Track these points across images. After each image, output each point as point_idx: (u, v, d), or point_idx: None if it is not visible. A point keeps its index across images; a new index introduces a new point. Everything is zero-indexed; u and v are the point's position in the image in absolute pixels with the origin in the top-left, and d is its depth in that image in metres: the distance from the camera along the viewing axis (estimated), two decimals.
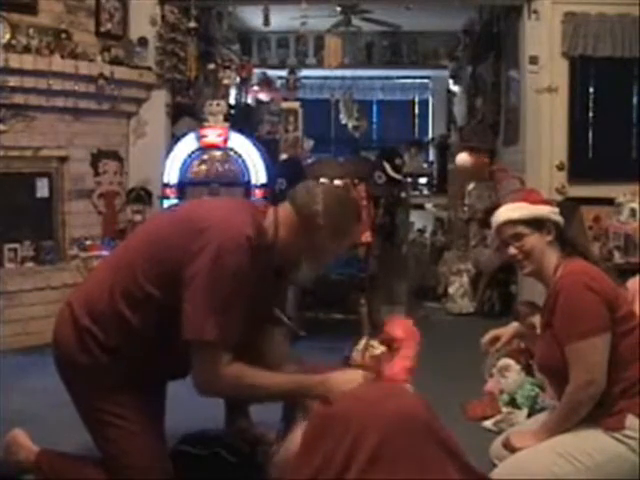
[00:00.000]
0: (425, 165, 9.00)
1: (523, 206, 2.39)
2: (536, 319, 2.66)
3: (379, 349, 2.62)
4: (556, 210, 2.43)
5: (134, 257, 2.27)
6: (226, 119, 5.16)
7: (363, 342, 2.65)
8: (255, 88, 7.35)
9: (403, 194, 5.58)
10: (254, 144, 5.10)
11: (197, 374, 2.17)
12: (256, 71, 7.78)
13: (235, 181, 5.04)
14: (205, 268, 2.09)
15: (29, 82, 4.71)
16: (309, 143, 6.33)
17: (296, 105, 6.28)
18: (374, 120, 10.17)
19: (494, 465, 2.37)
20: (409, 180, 7.08)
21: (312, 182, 2.67)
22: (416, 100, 10.18)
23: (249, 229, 2.16)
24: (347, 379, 2.21)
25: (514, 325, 2.70)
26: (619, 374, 2.21)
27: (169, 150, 5.20)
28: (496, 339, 2.61)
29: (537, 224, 2.36)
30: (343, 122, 9.01)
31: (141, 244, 2.31)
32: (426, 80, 9.99)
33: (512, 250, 2.37)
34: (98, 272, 2.50)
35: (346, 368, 2.32)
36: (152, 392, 2.35)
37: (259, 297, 2.27)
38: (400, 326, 2.47)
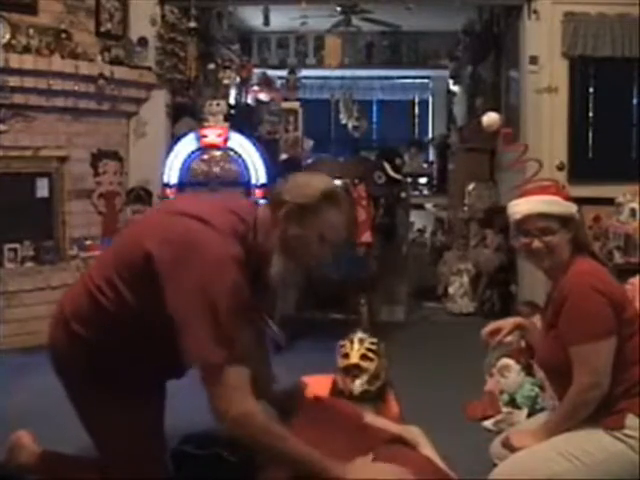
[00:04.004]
0: (425, 165, 9.01)
1: (558, 201, 2.34)
2: (536, 319, 2.66)
3: (368, 343, 2.64)
4: (577, 207, 2.40)
5: (111, 257, 2.23)
6: (226, 119, 5.16)
7: (357, 336, 2.68)
8: (255, 88, 7.35)
9: (403, 194, 5.59)
10: (254, 144, 5.10)
11: (215, 401, 1.99)
12: (256, 71, 7.78)
13: (235, 181, 5.04)
14: (195, 289, 1.98)
15: (29, 82, 4.71)
16: (309, 143, 6.33)
17: (296, 105, 6.29)
18: (374, 120, 10.17)
19: (494, 465, 2.37)
20: (409, 180, 7.08)
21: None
22: (416, 100, 10.18)
23: (236, 246, 2.07)
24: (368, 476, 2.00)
25: (515, 318, 2.69)
26: (622, 375, 2.20)
27: (169, 150, 5.20)
28: (497, 331, 2.59)
29: (566, 221, 2.33)
30: (343, 122, 9.01)
31: (121, 246, 2.26)
32: (426, 80, 10.00)
33: (536, 243, 2.32)
34: (86, 272, 2.48)
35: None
36: (150, 392, 2.33)
37: (248, 303, 2.20)
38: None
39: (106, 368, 2.24)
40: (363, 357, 2.65)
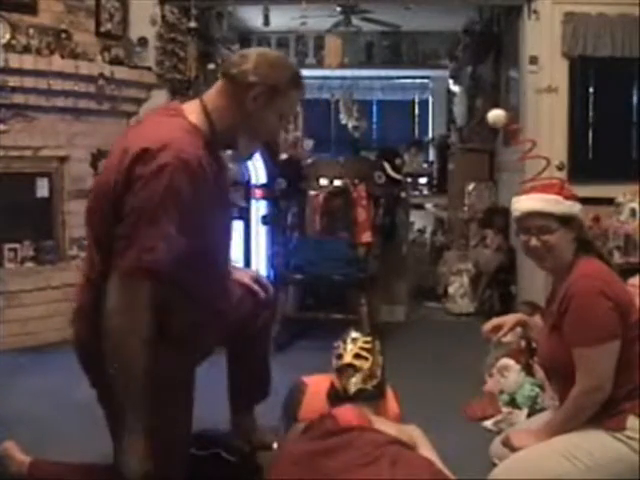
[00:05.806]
0: (425, 165, 9.01)
1: (558, 200, 2.31)
2: (536, 319, 2.66)
3: (362, 342, 2.66)
4: (581, 207, 2.37)
5: (102, 234, 2.15)
6: None
7: (351, 336, 2.69)
8: None
9: (403, 194, 5.58)
10: None
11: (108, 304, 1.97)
12: None
13: (235, 181, 5.04)
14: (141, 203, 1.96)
15: (29, 82, 4.70)
16: (309, 143, 6.33)
17: None
18: (374, 120, 10.17)
19: (494, 465, 2.37)
20: (409, 180, 7.08)
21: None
22: (416, 100, 10.19)
23: (192, 147, 2.02)
24: None
25: (517, 314, 2.69)
26: (625, 377, 2.19)
27: None
28: (498, 327, 2.58)
29: (566, 220, 2.31)
30: (343, 122, 9.01)
31: (102, 215, 2.18)
32: (426, 80, 10.00)
33: (534, 242, 2.30)
34: (84, 264, 2.39)
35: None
36: (179, 385, 2.25)
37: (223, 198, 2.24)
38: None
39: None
40: (357, 356, 2.65)
